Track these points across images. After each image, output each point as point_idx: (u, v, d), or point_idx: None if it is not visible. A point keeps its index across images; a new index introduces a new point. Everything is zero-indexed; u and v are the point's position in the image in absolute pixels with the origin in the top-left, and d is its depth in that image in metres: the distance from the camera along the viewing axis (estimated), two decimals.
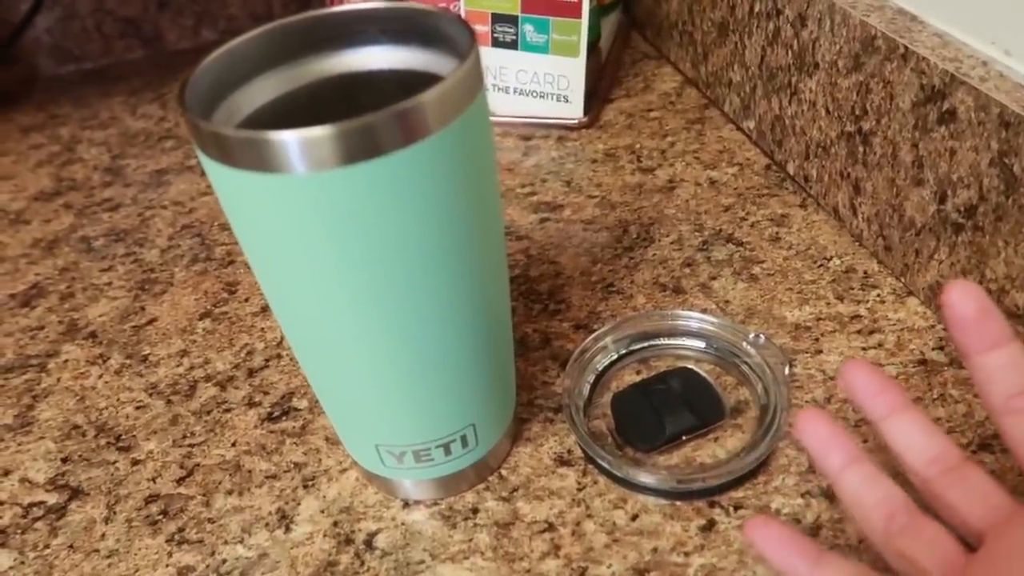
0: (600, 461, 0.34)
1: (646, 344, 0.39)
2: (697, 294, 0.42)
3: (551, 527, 0.32)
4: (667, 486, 0.33)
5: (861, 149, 0.41)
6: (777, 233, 0.46)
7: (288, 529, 0.34)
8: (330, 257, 0.25)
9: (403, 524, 0.34)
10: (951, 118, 0.35)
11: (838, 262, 0.43)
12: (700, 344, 0.39)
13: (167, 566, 0.33)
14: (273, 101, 0.29)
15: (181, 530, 0.35)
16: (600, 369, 0.38)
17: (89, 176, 0.61)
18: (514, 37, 0.57)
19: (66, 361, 0.44)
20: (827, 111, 0.43)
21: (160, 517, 0.35)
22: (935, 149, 0.36)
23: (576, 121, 0.57)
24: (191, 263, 0.50)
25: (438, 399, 0.30)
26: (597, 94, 0.60)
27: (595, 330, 0.39)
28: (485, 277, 0.29)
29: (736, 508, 0.32)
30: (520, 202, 0.51)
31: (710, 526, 0.32)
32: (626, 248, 0.46)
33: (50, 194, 0.60)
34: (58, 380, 0.43)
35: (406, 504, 0.34)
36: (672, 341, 0.39)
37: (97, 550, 0.34)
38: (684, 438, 0.35)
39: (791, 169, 0.49)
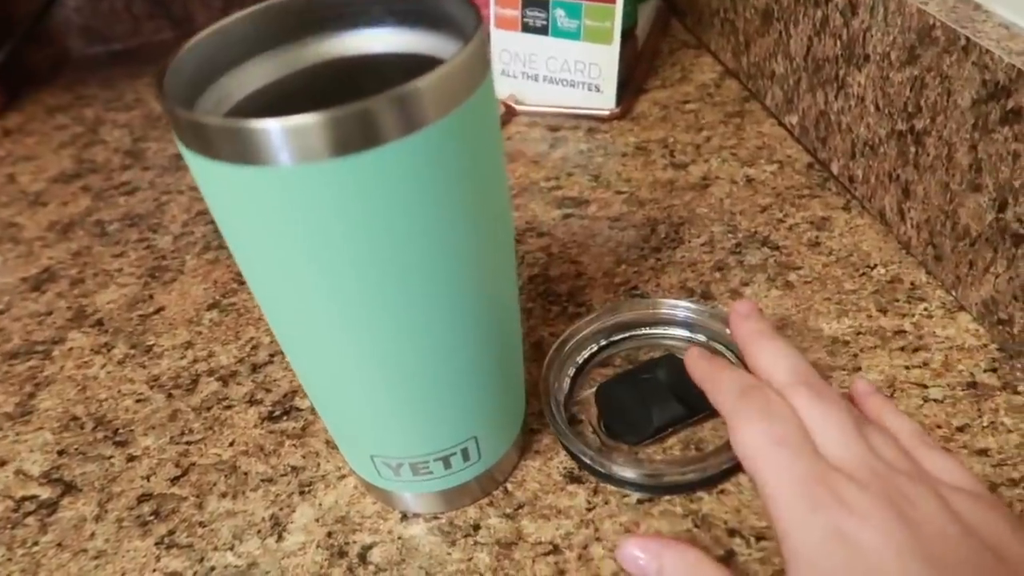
0: (583, 457, 0.32)
1: (628, 334, 0.37)
2: (727, 301, 0.40)
3: (556, 549, 0.30)
4: (653, 482, 0.31)
5: (913, 149, 0.38)
6: (817, 237, 0.43)
7: (281, 537, 0.32)
8: (317, 257, 0.23)
9: (400, 538, 0.32)
10: (1016, 118, 0.31)
11: (883, 271, 0.40)
12: (684, 333, 0.37)
13: (154, 571, 0.32)
14: (266, 87, 0.27)
15: (171, 533, 0.33)
16: (580, 362, 0.36)
17: (109, 158, 0.60)
18: (545, 22, 0.54)
19: (71, 349, 0.43)
20: (877, 107, 0.40)
21: (151, 518, 0.34)
22: (996, 152, 0.33)
23: (607, 112, 0.55)
24: (203, 251, 0.49)
25: (435, 410, 0.28)
26: (631, 84, 0.57)
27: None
28: (490, 281, 0.26)
29: (758, 539, 0.30)
30: (544, 196, 0.49)
31: (728, 556, 0.29)
32: (653, 248, 0.44)
33: (70, 176, 0.59)
34: (61, 368, 0.42)
35: (404, 516, 0.32)
36: (656, 331, 0.37)
37: (85, 550, 0.33)
38: (670, 430, 0.33)
39: (835, 169, 0.46)
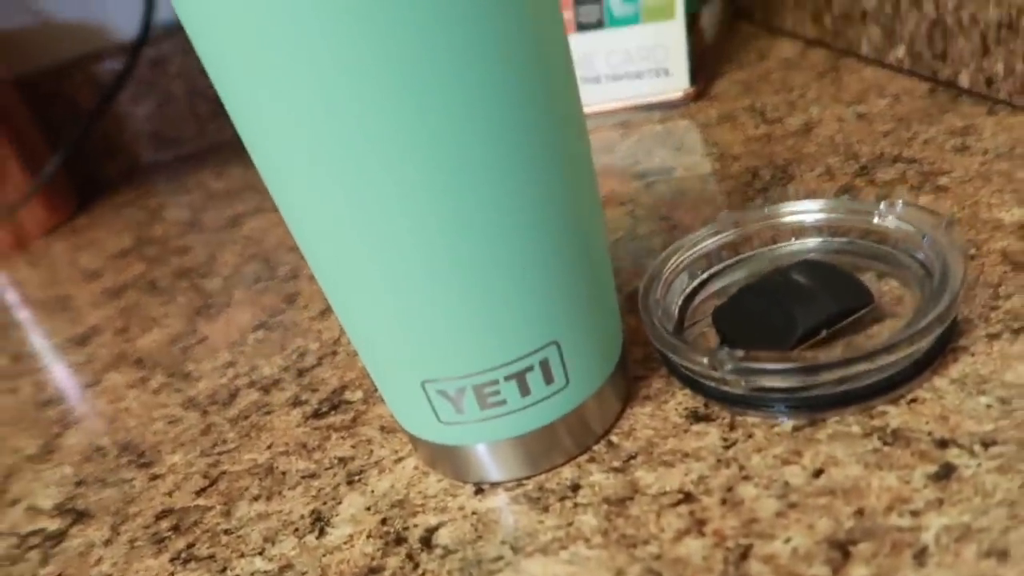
0: (711, 377, 0.23)
1: (744, 256, 0.29)
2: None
3: (689, 497, 0.21)
4: (816, 392, 0.22)
5: None
6: (963, 143, 0.34)
7: (322, 533, 0.25)
8: (323, 58, 0.17)
9: (474, 513, 0.23)
10: None
11: None
12: (818, 240, 0.28)
13: None
14: None
15: (191, 546, 0.26)
16: (688, 291, 0.28)
17: (168, 230, 0.58)
18: (599, 15, 0.51)
19: (105, 388, 0.38)
20: None
21: (169, 533, 0.27)
22: None
23: (681, 94, 0.49)
24: (253, 283, 0.45)
25: (498, 288, 0.20)
26: (703, 71, 0.52)
27: (668, 246, 0.29)
28: (557, 125, 0.20)
29: (987, 445, 0.20)
30: (620, 174, 0.43)
31: (947, 472, 0.20)
32: (759, 190, 0.36)
33: (127, 251, 0.57)
34: (92, 407, 0.37)
35: (479, 489, 0.24)
36: (779, 245, 0.29)
37: None
38: (824, 333, 0.24)
39: (965, 80, 0.38)
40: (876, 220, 0.27)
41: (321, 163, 0.19)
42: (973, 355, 0.23)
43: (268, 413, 0.32)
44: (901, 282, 0.26)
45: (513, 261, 0.20)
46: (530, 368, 0.22)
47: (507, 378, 0.22)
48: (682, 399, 0.25)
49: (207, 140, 0.78)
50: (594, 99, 0.52)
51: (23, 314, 0.52)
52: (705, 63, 0.53)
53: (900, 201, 0.26)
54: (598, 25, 0.51)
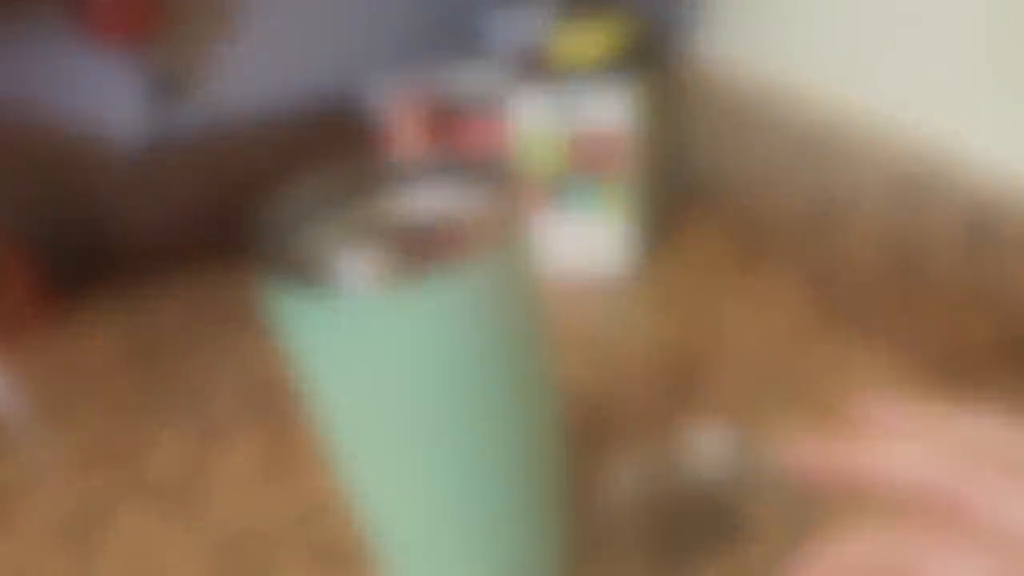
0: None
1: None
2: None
3: None
4: None
5: None
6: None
7: None
8: (387, 377, 0.26)
9: None
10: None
11: None
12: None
13: None
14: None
15: None
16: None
17: (162, 361, 0.65)
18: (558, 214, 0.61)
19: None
20: None
21: None
22: None
23: (617, 281, 0.60)
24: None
25: (496, 541, 0.30)
26: (637, 259, 0.63)
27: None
28: (539, 406, 0.30)
29: None
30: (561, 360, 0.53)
31: None
32: (681, 398, 0.47)
33: (122, 365, 0.63)
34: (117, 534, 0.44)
35: None
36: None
37: None
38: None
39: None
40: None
41: (401, 467, 0.28)
42: None
43: None
44: (770, 513, 0.37)
45: (501, 522, 0.30)
46: None
47: None
48: None
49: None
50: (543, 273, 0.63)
51: (27, 422, 0.57)
52: (636, 251, 0.64)
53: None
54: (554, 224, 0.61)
